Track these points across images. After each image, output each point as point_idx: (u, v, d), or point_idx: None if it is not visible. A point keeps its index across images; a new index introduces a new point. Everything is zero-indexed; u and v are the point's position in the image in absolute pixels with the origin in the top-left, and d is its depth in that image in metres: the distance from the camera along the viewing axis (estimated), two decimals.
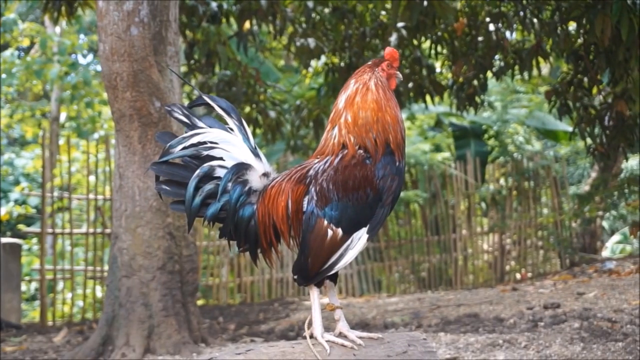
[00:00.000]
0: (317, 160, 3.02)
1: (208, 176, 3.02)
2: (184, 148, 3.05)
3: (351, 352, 2.90)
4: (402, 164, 2.98)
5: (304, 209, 2.97)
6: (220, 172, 3.03)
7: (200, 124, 3.10)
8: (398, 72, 3.17)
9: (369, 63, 3.17)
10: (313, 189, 2.96)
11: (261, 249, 3.07)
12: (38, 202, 14.43)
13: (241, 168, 3.03)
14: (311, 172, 3.00)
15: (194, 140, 3.06)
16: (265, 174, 3.08)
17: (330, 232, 2.91)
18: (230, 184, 3.01)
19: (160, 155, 3.09)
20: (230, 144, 3.06)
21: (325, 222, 2.92)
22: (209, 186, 3.02)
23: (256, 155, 3.08)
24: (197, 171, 3.01)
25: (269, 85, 12.45)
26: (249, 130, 3.13)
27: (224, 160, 3.04)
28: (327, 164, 2.98)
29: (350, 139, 2.97)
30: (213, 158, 3.05)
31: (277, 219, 2.98)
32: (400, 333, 3.07)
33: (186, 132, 3.10)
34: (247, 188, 3.03)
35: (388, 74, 3.13)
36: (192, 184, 3.00)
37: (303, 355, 2.90)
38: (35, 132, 19.69)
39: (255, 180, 3.05)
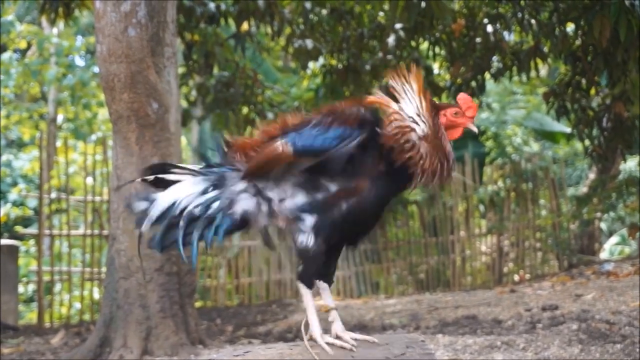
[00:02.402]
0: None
1: (192, 219, 2.96)
2: (157, 218, 2.99)
3: (350, 354, 2.89)
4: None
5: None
6: (197, 211, 2.96)
7: (154, 195, 3.03)
8: (471, 124, 2.98)
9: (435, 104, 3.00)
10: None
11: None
12: (36, 204, 14.41)
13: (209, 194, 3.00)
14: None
15: (159, 208, 3.00)
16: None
17: (279, 147, 2.87)
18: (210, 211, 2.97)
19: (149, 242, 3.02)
20: (187, 189, 3.01)
21: (281, 140, 2.88)
22: (199, 226, 2.96)
23: (217, 180, 3.03)
24: (181, 224, 2.95)
25: (267, 87, 12.45)
26: (195, 167, 3.10)
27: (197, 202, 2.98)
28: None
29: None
30: (185, 209, 2.98)
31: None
32: (399, 335, 3.06)
33: (150, 206, 3.01)
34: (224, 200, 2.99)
35: (451, 121, 2.96)
36: (180, 236, 2.95)
37: (301, 357, 2.89)
38: (32, 133, 19.67)
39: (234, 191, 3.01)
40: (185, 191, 3.00)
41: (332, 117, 2.88)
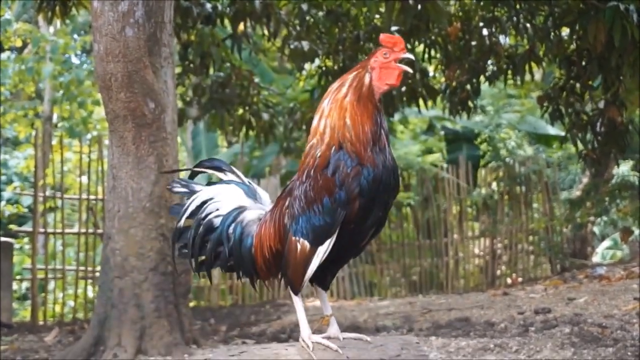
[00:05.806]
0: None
1: (209, 229, 3.13)
2: (190, 213, 3.19)
3: (345, 354, 2.91)
4: (373, 169, 2.82)
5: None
6: (217, 222, 3.13)
7: (197, 188, 3.24)
8: (405, 53, 2.91)
9: (362, 61, 2.97)
10: (288, 203, 2.97)
11: (259, 276, 3.11)
12: (31, 202, 14.41)
13: (235, 212, 3.13)
14: (290, 185, 3.02)
15: (195, 204, 3.19)
16: (262, 208, 3.14)
17: (299, 246, 2.89)
18: (230, 229, 3.10)
19: (175, 226, 3.24)
20: (223, 195, 3.18)
21: (294, 237, 2.90)
22: (213, 237, 3.13)
23: (250, 195, 3.18)
24: (199, 229, 3.15)
25: (263, 87, 12.45)
26: (242, 176, 3.28)
27: (218, 210, 3.15)
28: (297, 177, 2.99)
29: (314, 148, 2.93)
30: (210, 213, 3.16)
31: (271, 241, 3.00)
32: (393, 336, 3.09)
33: (187, 200, 3.23)
34: (244, 226, 3.09)
35: (384, 63, 2.90)
36: (197, 242, 3.14)
37: (297, 357, 2.91)
38: (28, 132, 19.64)
39: (251, 217, 3.11)
40: (222, 197, 3.20)
41: (312, 192, 2.88)
